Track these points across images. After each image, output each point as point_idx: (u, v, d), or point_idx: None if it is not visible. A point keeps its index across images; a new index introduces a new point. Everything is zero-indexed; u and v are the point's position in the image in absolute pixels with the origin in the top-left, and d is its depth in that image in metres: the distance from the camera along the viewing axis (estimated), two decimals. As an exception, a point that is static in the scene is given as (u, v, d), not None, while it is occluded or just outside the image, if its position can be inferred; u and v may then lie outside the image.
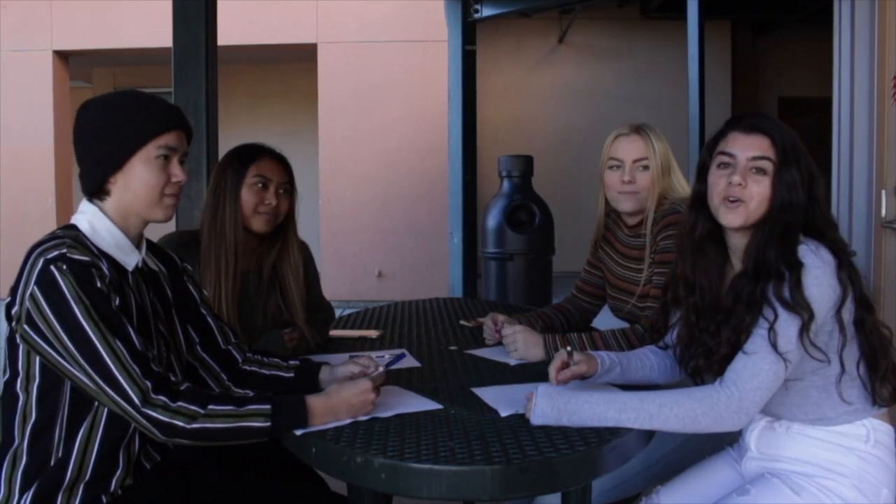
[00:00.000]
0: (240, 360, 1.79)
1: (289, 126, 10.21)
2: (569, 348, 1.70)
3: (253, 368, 1.80)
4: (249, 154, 2.15)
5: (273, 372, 1.80)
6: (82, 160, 1.55)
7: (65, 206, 8.91)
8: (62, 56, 8.95)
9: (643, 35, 10.04)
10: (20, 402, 1.46)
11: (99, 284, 1.43)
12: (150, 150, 1.53)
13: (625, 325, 2.21)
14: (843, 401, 1.56)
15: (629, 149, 2.17)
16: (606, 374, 1.72)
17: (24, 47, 8.71)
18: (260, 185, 2.12)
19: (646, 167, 2.15)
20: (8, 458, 1.47)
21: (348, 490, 1.63)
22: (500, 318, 2.22)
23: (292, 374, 1.80)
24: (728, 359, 1.54)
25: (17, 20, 8.69)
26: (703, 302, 1.66)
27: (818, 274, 1.48)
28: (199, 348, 1.72)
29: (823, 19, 4.58)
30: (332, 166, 8.35)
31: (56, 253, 1.42)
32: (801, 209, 1.54)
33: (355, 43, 8.46)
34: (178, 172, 1.57)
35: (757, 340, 1.49)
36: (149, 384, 1.40)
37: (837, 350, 1.54)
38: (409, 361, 2.07)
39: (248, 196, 2.11)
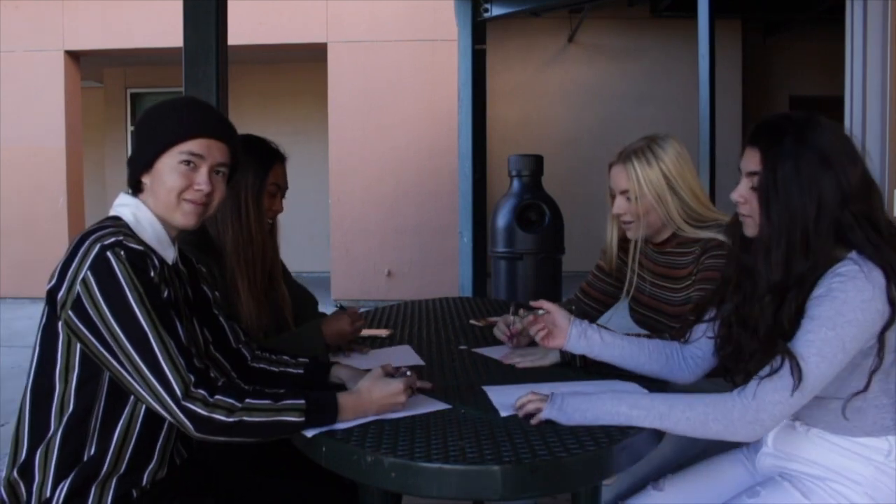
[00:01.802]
0: (249, 359, 1.81)
1: (299, 126, 10.23)
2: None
3: (262, 366, 1.81)
4: (269, 158, 2.15)
5: (282, 369, 1.82)
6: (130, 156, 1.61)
7: (76, 206, 8.97)
8: (73, 56, 9.00)
9: (653, 34, 10.02)
10: (57, 392, 1.46)
11: (152, 274, 1.45)
12: (174, 154, 1.56)
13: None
14: (874, 420, 1.51)
15: (615, 179, 2.16)
16: (582, 339, 1.74)
17: (36, 47, 8.77)
18: (274, 192, 2.15)
19: (629, 199, 2.13)
20: (42, 446, 1.47)
21: (359, 489, 1.63)
22: (512, 320, 2.21)
23: (301, 371, 1.82)
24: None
25: (29, 20, 8.75)
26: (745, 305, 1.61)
27: (865, 298, 1.40)
28: (211, 347, 1.73)
29: (835, 18, 4.56)
30: (342, 166, 8.38)
31: (113, 239, 1.43)
32: (803, 220, 1.46)
33: (365, 42, 8.48)
34: (201, 181, 1.57)
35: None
36: (192, 377, 1.40)
37: (871, 371, 1.47)
38: (412, 359, 2.08)
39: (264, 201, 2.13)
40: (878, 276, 1.41)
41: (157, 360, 1.39)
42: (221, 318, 1.77)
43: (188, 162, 1.56)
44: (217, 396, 1.41)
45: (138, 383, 1.40)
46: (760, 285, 1.53)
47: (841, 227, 1.47)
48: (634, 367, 1.77)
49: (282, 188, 2.18)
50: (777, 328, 1.48)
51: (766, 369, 1.44)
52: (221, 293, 1.95)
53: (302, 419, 1.46)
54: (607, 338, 1.77)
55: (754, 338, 1.54)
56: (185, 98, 1.64)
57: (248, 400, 1.43)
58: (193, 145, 1.57)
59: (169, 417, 1.41)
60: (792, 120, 1.53)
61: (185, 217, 1.58)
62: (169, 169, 1.56)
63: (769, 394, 1.41)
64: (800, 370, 1.39)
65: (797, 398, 1.41)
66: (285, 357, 1.84)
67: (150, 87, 10.92)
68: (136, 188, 1.60)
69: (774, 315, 1.49)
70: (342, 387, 1.74)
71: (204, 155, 1.57)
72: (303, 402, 1.47)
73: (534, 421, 1.51)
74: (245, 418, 1.41)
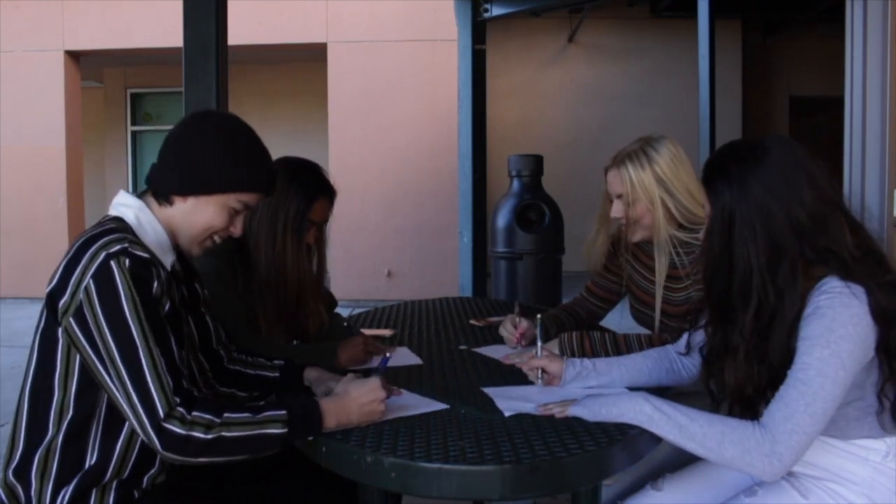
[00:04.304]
0: (225, 360, 1.79)
1: (298, 125, 10.24)
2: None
3: (237, 368, 1.80)
4: (315, 191, 2.12)
5: (258, 371, 1.81)
6: (170, 162, 1.54)
7: (76, 206, 8.97)
8: (73, 56, 9.01)
9: (653, 34, 10.03)
10: (56, 397, 1.44)
11: (155, 285, 1.42)
12: (232, 199, 1.56)
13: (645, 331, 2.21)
14: (871, 425, 1.50)
15: (611, 184, 2.16)
16: (578, 379, 1.73)
17: (36, 47, 8.77)
18: (308, 227, 2.11)
19: (627, 203, 2.13)
20: (41, 450, 1.46)
21: (358, 489, 1.63)
22: (518, 320, 2.21)
23: (277, 374, 1.81)
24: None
25: (29, 20, 8.75)
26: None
27: (854, 312, 1.38)
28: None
29: (835, 17, 4.56)
30: (342, 165, 8.38)
31: (119, 247, 1.40)
32: (744, 270, 1.45)
33: (365, 42, 8.48)
34: (237, 228, 1.60)
35: (790, 382, 1.41)
36: (177, 399, 1.37)
37: (875, 385, 1.46)
38: (411, 359, 2.08)
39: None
40: (860, 291, 1.40)
41: (143, 376, 1.36)
42: (208, 318, 1.75)
43: (238, 210, 1.58)
44: (195, 413, 1.37)
45: (121, 398, 1.37)
46: (708, 339, 1.55)
47: (807, 258, 1.45)
48: (636, 384, 1.78)
49: (317, 223, 2.14)
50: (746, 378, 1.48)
51: (774, 399, 1.41)
52: (242, 296, 1.97)
53: (284, 430, 1.42)
54: (602, 368, 1.77)
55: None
56: (258, 140, 1.61)
57: (226, 414, 1.39)
58: (252, 198, 1.59)
59: (143, 437, 1.37)
60: (736, 156, 1.50)
61: (201, 250, 1.61)
62: (218, 208, 1.55)
63: (781, 423, 1.37)
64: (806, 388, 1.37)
65: (810, 424, 1.37)
66: (261, 359, 1.83)
67: (150, 87, 10.93)
68: (161, 196, 1.56)
69: (719, 365, 1.50)
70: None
71: (252, 207, 1.61)
72: (284, 412, 1.43)
73: (559, 415, 1.53)
74: (224, 434, 1.37)
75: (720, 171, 1.51)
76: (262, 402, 1.48)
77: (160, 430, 1.34)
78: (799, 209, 1.44)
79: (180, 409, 1.36)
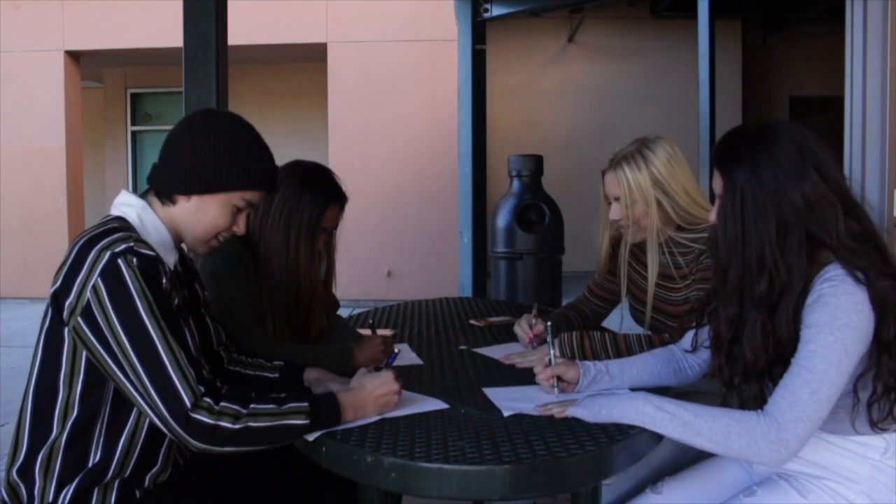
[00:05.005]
0: (225, 361, 1.79)
1: (298, 125, 10.24)
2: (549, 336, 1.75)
3: (237, 369, 1.80)
4: (328, 198, 2.11)
5: (257, 372, 1.81)
6: (172, 161, 1.55)
7: (76, 206, 8.97)
8: (73, 56, 9.01)
9: (653, 34, 10.04)
10: (60, 396, 1.45)
11: (164, 281, 1.43)
12: (235, 197, 1.57)
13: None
14: (868, 421, 1.49)
15: (608, 186, 2.16)
16: (593, 384, 1.73)
17: (36, 47, 8.78)
18: (323, 234, 2.12)
19: (626, 205, 2.12)
20: (44, 449, 1.46)
21: (358, 489, 1.63)
22: (534, 321, 2.20)
23: (276, 375, 1.81)
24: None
25: (29, 21, 8.76)
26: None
27: (857, 300, 1.39)
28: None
29: (835, 17, 4.57)
30: (342, 165, 8.34)
31: (124, 246, 1.40)
32: (758, 243, 1.47)
33: (365, 42, 8.48)
34: (241, 227, 1.61)
35: (794, 370, 1.42)
36: (202, 389, 1.38)
37: (857, 376, 1.46)
38: (411, 359, 2.08)
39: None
40: (862, 278, 1.41)
41: (165, 372, 1.36)
42: (208, 319, 1.75)
43: (241, 208, 1.58)
44: (223, 403, 1.38)
45: (139, 394, 1.37)
46: (723, 313, 1.55)
47: (813, 237, 1.46)
48: (648, 385, 1.78)
49: (328, 230, 2.14)
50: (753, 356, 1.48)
51: (778, 387, 1.42)
52: (251, 295, 1.97)
53: (307, 421, 1.44)
54: (615, 371, 1.77)
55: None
56: (258, 138, 1.62)
57: (252, 405, 1.41)
58: (255, 196, 1.59)
59: (166, 429, 1.38)
60: (747, 138, 1.52)
61: (206, 249, 1.62)
62: (221, 206, 1.56)
63: (787, 411, 1.39)
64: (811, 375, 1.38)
65: (815, 411, 1.38)
66: (260, 360, 1.84)
67: (150, 87, 10.94)
68: (164, 195, 1.56)
69: (733, 340, 1.51)
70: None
71: (255, 205, 1.61)
72: (306, 404, 1.46)
73: (558, 415, 1.54)
74: (251, 424, 1.39)
75: (731, 151, 1.53)
76: (283, 394, 1.49)
77: (187, 421, 1.36)
78: (802, 192, 1.46)
79: (207, 399, 1.38)
